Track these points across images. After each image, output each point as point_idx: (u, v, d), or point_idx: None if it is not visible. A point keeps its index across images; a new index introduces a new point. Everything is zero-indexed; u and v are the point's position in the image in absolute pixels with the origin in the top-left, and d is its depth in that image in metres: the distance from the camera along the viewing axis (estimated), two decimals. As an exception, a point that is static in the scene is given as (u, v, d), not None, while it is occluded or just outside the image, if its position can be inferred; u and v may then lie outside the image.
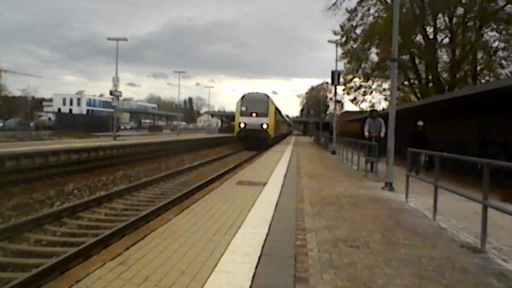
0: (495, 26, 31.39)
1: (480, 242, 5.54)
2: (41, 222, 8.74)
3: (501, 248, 5.67)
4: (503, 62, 32.79)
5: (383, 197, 9.99)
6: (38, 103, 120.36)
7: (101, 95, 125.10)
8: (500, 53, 32.71)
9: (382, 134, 15.17)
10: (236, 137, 37.60)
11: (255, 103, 36.66)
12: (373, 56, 38.40)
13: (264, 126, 36.02)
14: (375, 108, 17.89)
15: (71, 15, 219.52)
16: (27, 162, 16.57)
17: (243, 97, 37.72)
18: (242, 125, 36.14)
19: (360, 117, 42.40)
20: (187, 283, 4.01)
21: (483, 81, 32.61)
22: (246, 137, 36.12)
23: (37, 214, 9.40)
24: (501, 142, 15.04)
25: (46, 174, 15.35)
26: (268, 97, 38.35)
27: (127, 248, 5.01)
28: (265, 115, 36.39)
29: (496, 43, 32.64)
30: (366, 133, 15.95)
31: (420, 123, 15.97)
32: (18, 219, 9.18)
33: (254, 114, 36.09)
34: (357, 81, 40.18)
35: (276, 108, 42.52)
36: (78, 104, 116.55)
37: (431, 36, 34.16)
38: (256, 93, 39.35)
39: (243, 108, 36.61)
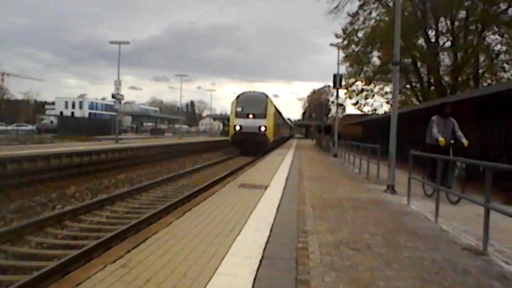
0: (497, 30, 31.47)
1: (482, 244, 5.52)
2: (43, 225, 8.73)
3: (503, 250, 5.65)
4: (505, 65, 32.90)
5: (384, 200, 9.97)
6: (41, 107, 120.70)
7: (103, 99, 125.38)
8: (502, 57, 32.83)
9: (465, 142, 9.93)
10: (231, 141, 34.38)
11: (252, 103, 33.18)
12: (375, 59, 38.60)
13: (262, 128, 32.51)
14: (445, 102, 10.99)
15: (74, 20, 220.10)
16: (29, 165, 16.57)
17: (238, 96, 34.24)
18: (237, 128, 32.66)
19: (364, 120, 42.54)
20: (189, 285, 4.00)
21: (485, 84, 32.65)
22: (242, 141, 32.68)
23: (38, 217, 9.39)
24: (503, 145, 15.03)
25: (48, 177, 15.36)
26: (266, 96, 34.72)
27: (129, 251, 5.00)
28: (263, 116, 32.92)
29: (498, 47, 32.79)
30: (441, 139, 9.89)
31: None
32: (19, 222, 9.18)
33: (251, 116, 32.62)
34: (359, 84, 40.41)
35: (276, 109, 39.49)
36: (80, 107, 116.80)
37: (433, 40, 34.26)
38: (254, 92, 35.98)
39: (239, 109, 33.05)
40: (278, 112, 41.91)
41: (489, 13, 29.92)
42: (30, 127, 67.15)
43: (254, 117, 32.56)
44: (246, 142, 32.12)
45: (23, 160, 16.42)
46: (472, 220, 7.37)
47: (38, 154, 17.88)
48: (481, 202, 5.66)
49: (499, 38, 32.17)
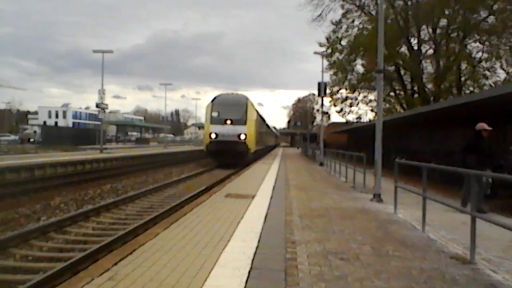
0: (478, 37, 32.01)
1: (469, 253, 5.55)
2: (27, 237, 8.59)
3: (490, 258, 5.69)
4: (487, 72, 33.40)
5: (371, 208, 10.00)
6: (23, 116, 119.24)
7: (87, 108, 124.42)
8: (483, 64, 33.33)
9: None
10: (206, 152, 30.12)
11: (230, 108, 28.88)
12: (359, 67, 38.92)
13: (242, 137, 28.21)
14: None
15: (57, 29, 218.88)
16: (12, 176, 16.35)
17: (214, 99, 29.77)
18: (213, 136, 28.37)
19: (350, 128, 42.79)
20: (177, 299, 3.96)
21: (467, 91, 33.09)
22: (218, 152, 28.14)
23: (23, 229, 9.24)
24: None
25: (32, 188, 15.15)
26: (247, 99, 30.40)
27: (116, 263, 4.94)
28: (243, 122, 28.56)
29: (480, 54, 33.30)
30: None
31: (486, 126, 10.02)
32: (3, 234, 9.01)
33: (228, 122, 28.33)
34: (343, 92, 40.61)
35: (259, 114, 35.17)
36: (64, 116, 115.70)
37: (415, 47, 34.70)
38: (232, 94, 32.23)
39: (215, 114, 28.67)
40: (261, 118, 38.33)
41: (470, 21, 30.46)
42: (12, 137, 66.35)
43: (232, 123, 28.41)
44: (223, 152, 27.89)
45: (5, 171, 16.19)
46: (459, 228, 7.43)
47: (21, 164, 17.65)
48: (467, 210, 5.70)
49: (481, 45, 32.75)
